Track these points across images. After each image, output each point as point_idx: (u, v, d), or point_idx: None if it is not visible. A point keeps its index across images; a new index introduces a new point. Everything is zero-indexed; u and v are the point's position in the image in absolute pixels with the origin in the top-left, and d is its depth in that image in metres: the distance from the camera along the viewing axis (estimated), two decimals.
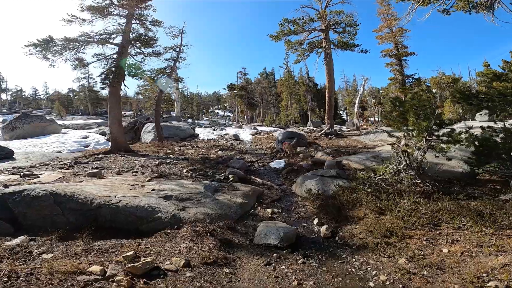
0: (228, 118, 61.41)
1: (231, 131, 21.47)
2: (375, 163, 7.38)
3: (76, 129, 24.10)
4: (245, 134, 20.06)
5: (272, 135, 19.08)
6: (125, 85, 12.70)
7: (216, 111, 69.31)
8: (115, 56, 12.06)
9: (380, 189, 5.17)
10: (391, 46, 21.09)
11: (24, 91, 59.82)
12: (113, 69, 11.51)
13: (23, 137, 18.16)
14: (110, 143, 17.29)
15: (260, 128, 25.04)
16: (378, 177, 5.52)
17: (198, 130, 21.43)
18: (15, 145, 15.11)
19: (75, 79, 44.42)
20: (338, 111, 58.57)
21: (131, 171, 7.55)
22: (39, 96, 61.77)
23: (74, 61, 11.55)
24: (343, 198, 5.17)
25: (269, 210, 5.38)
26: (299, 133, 14.63)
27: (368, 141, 13.42)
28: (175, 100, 28.54)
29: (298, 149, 11.67)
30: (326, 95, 16.56)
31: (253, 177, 7.56)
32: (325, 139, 15.02)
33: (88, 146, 15.56)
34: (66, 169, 7.84)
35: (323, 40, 15.54)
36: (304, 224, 4.86)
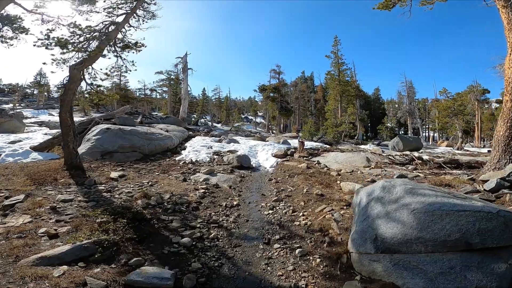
0: (260, 124, 53.72)
1: (243, 145, 13.39)
2: None
3: (52, 128, 18.95)
4: (265, 153, 11.79)
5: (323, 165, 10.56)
6: None
7: (250, 117, 63.55)
8: None
9: None
10: None
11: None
12: None
13: None
14: (33, 152, 10.82)
15: (293, 143, 16.53)
16: None
17: (194, 140, 13.88)
18: None
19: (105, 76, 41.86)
20: (383, 123, 45.33)
21: None
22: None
23: None
24: None
25: None
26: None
27: None
28: (182, 98, 21.68)
29: None
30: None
31: None
32: None
33: None
34: None
35: None
36: None
